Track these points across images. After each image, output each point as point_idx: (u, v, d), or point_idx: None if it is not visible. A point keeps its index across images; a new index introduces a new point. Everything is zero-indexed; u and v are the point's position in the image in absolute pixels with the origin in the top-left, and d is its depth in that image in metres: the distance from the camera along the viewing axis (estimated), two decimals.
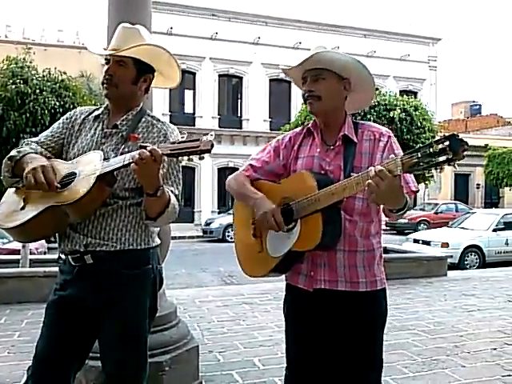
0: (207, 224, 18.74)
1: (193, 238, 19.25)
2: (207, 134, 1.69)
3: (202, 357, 3.54)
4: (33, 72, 8.01)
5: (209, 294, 6.86)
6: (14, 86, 7.53)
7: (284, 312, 2.18)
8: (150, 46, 2.04)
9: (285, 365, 2.17)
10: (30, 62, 8.28)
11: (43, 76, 8.08)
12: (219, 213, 21.90)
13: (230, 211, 16.71)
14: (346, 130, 2.05)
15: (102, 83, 2.01)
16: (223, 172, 22.88)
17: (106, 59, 2.02)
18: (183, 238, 18.25)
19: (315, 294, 2.01)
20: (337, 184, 1.86)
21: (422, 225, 20.00)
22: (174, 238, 15.71)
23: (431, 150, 1.53)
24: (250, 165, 2.18)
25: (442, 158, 1.52)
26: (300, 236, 1.93)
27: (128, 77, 2.00)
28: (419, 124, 9.62)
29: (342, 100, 2.10)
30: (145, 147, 1.71)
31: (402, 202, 1.77)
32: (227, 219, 17.26)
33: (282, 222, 1.93)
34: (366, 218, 2.02)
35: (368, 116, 9.65)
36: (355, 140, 2.04)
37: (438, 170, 1.62)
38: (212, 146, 1.65)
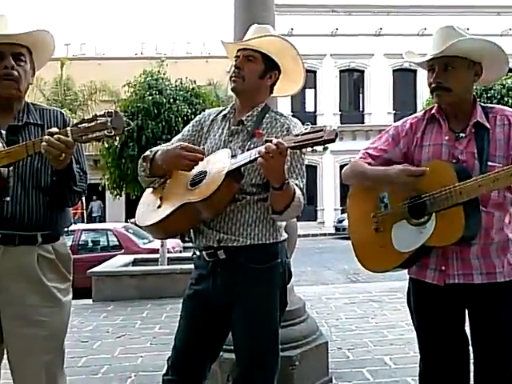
0: (340, 221, 18.63)
1: (316, 235, 19.26)
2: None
3: (331, 353, 3.52)
4: (166, 83, 8.66)
5: (335, 291, 6.82)
6: (150, 97, 8.20)
7: (411, 307, 2.10)
8: (279, 39, 2.10)
9: (418, 364, 2.10)
10: (164, 74, 8.95)
11: (175, 86, 8.69)
12: (342, 211, 21.64)
13: None
14: (478, 115, 1.93)
15: (230, 77, 2.07)
16: None
17: (236, 56, 2.09)
18: (307, 236, 18.35)
19: (447, 289, 1.93)
20: (484, 175, 1.76)
21: None
22: (298, 236, 15.76)
23: None
24: (367, 153, 2.11)
25: None
26: (435, 230, 1.84)
27: (256, 71, 2.05)
28: None
29: (471, 86, 1.98)
30: (270, 141, 1.74)
31: None
32: None
33: (420, 170, 1.87)
34: (501, 208, 1.90)
35: (506, 99, 8.89)
36: (488, 126, 1.91)
37: None
38: (336, 135, 1.64)
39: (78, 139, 1.71)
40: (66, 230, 2.06)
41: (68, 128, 1.73)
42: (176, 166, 1.97)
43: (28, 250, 1.87)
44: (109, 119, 1.67)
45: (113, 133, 1.67)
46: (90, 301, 6.58)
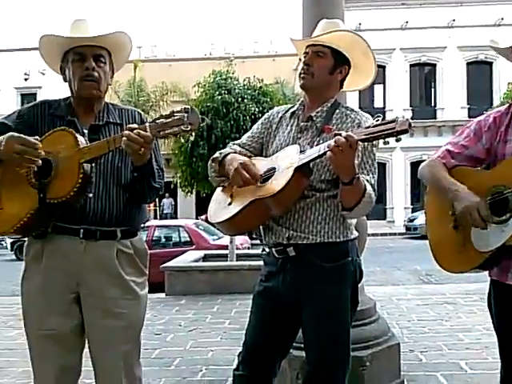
0: (410, 220, 18.14)
1: (385, 235, 18.80)
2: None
3: (403, 355, 3.43)
4: (235, 82, 8.80)
5: (406, 292, 6.65)
6: (219, 97, 8.37)
7: (492, 310, 2.00)
8: (349, 33, 2.08)
9: (497, 370, 2.00)
10: (232, 74, 9.10)
11: (244, 85, 8.81)
12: (413, 209, 21.00)
13: None
14: None
15: (299, 74, 2.06)
16: (416, 166, 21.73)
17: (305, 53, 2.07)
18: (376, 235, 17.96)
19: None
20: None
21: None
22: (368, 235, 15.45)
23: None
24: (447, 150, 2.02)
25: None
26: None
27: (325, 66, 2.03)
28: None
29: None
30: (339, 134, 1.71)
31: None
32: None
33: (489, 215, 1.77)
34: None
35: None
36: None
37: None
38: (410, 125, 1.59)
39: (156, 134, 1.77)
40: (142, 226, 2.14)
41: (147, 123, 1.80)
42: (233, 181, 2.00)
43: (108, 245, 1.95)
44: (185, 115, 1.72)
45: (189, 128, 1.72)
46: (162, 295, 6.83)
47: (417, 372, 3.52)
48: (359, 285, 2.08)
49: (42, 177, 1.81)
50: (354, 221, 2.07)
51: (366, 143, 1.80)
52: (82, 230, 1.91)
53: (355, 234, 2.06)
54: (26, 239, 2.02)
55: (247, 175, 1.93)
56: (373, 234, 17.51)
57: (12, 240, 14.57)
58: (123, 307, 1.96)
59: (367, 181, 1.91)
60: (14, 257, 14.70)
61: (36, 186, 1.81)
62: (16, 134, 1.80)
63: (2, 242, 15.76)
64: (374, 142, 1.80)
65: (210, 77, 9.03)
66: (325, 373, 1.97)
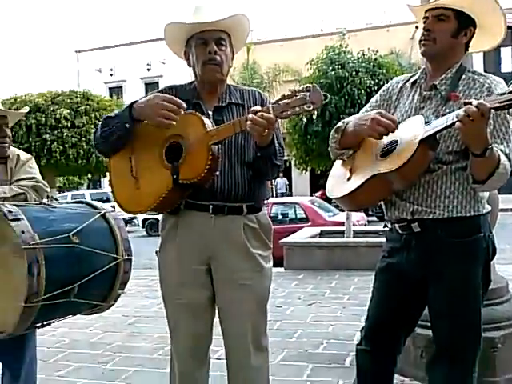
0: None
1: None
2: None
3: None
4: (348, 56, 8.61)
5: None
6: (333, 72, 8.25)
7: None
8: None
9: None
10: (346, 47, 8.90)
11: (358, 58, 8.59)
12: None
13: None
14: None
15: (420, 41, 1.96)
16: None
17: (424, 17, 1.95)
18: (506, 210, 16.53)
19: None
20: None
21: None
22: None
23: None
24: None
25: None
26: None
27: (447, 30, 1.90)
28: None
29: None
30: (470, 103, 1.60)
31: None
32: None
33: None
34: None
35: None
36: None
37: None
38: None
39: (279, 115, 1.79)
40: (265, 202, 2.20)
41: (270, 105, 1.82)
42: (369, 132, 1.90)
43: (235, 220, 2.04)
44: (307, 94, 1.72)
45: (311, 107, 1.72)
46: (282, 269, 7.00)
47: None
48: (491, 262, 1.96)
49: (174, 159, 1.93)
50: (486, 194, 1.94)
51: None
52: (211, 206, 2.01)
53: (487, 208, 1.94)
54: (157, 216, 2.18)
55: (386, 121, 1.83)
56: (502, 210, 16.09)
57: (143, 217, 15.81)
58: (250, 279, 2.04)
59: (501, 150, 1.78)
60: (145, 233, 15.96)
61: (169, 168, 1.93)
62: (161, 94, 1.94)
63: (134, 220, 17.11)
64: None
65: (322, 53, 8.91)
66: (453, 354, 1.90)
